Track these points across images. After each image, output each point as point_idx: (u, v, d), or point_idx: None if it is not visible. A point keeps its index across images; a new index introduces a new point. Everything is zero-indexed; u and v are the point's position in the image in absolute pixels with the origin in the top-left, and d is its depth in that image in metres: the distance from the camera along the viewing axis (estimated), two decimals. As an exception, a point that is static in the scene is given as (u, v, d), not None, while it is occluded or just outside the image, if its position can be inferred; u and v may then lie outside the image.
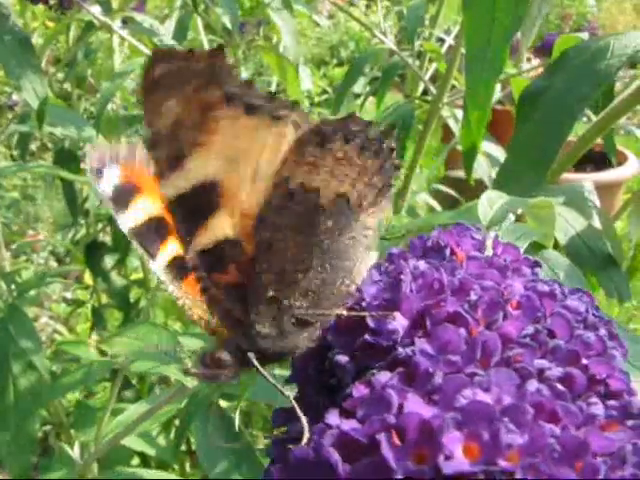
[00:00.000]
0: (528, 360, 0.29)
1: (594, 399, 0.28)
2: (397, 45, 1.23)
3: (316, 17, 1.45)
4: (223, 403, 0.66)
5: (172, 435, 1.43)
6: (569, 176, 1.87)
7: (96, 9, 1.08)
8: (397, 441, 0.25)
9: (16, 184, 2.66)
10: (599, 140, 0.80)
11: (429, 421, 0.25)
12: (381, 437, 0.25)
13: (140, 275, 1.61)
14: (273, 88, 1.54)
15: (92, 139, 0.92)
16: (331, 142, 0.33)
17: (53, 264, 2.38)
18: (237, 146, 0.31)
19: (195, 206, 0.31)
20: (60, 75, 1.58)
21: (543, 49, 1.36)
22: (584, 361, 0.30)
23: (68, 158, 1.36)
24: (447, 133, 1.29)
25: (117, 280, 1.50)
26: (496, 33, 0.64)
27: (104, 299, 1.62)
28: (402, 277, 0.32)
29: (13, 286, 1.06)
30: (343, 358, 0.31)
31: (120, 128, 1.33)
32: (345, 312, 0.33)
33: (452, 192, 1.33)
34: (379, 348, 0.30)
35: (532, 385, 0.27)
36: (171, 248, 0.35)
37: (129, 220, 0.35)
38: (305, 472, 0.26)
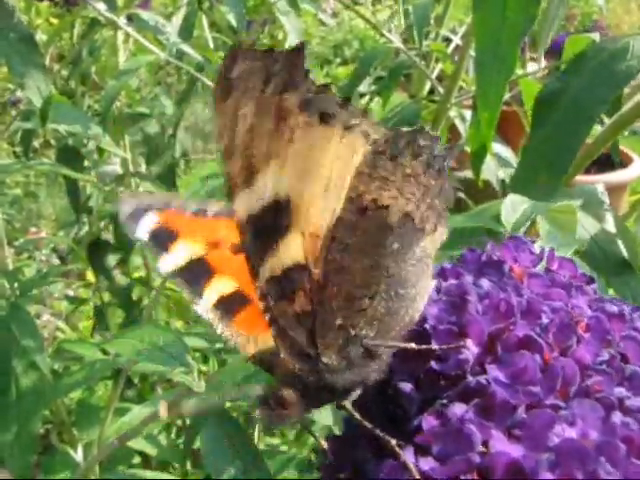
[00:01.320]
0: (607, 389, 0.27)
1: None
2: (402, 44, 1.22)
3: (321, 15, 1.44)
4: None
5: (173, 434, 1.42)
6: (576, 178, 1.85)
7: (101, 6, 1.07)
8: None
9: (19, 181, 2.65)
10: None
11: (519, 461, 0.24)
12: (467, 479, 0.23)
13: (142, 274, 1.61)
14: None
15: (99, 137, 0.91)
16: (402, 156, 0.31)
17: (55, 261, 2.37)
18: (310, 158, 0.29)
19: (265, 228, 0.29)
20: (64, 72, 1.57)
21: (551, 50, 1.34)
22: None
23: (71, 155, 1.35)
24: (453, 134, 1.28)
25: (120, 279, 1.49)
26: (507, 33, 0.64)
27: (106, 297, 1.61)
28: (468, 297, 0.30)
29: (16, 284, 1.06)
30: (407, 386, 0.29)
31: (124, 126, 1.32)
32: (415, 345, 0.30)
33: (459, 194, 1.32)
34: (446, 376, 0.29)
35: (617, 417, 0.25)
36: (216, 288, 0.34)
37: (170, 261, 0.35)
38: None
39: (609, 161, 2.18)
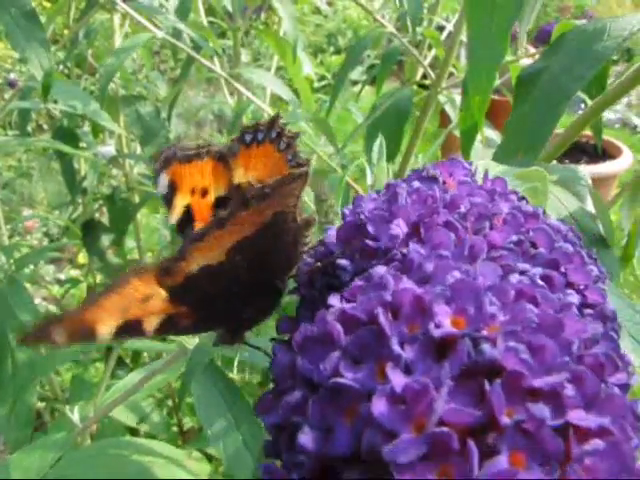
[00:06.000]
0: (511, 261, 0.31)
1: (570, 290, 0.30)
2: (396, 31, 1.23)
3: (318, 2, 1.45)
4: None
5: (165, 412, 1.44)
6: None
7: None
8: (391, 318, 0.27)
9: (11, 165, 2.65)
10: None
11: (421, 296, 0.27)
12: (378, 310, 0.27)
13: (136, 256, 1.62)
14: (272, 73, 1.54)
15: (98, 113, 0.92)
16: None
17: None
18: None
19: None
20: (60, 55, 1.57)
21: (541, 38, 1.37)
22: (563, 269, 0.32)
23: (67, 136, 1.36)
24: (443, 120, 1.30)
25: (113, 260, 1.50)
26: (498, 19, 0.65)
27: (98, 279, 1.63)
28: (398, 191, 0.34)
29: (11, 260, 1.07)
30: (344, 261, 0.34)
31: (119, 108, 1.33)
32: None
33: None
34: (377, 251, 0.33)
35: (514, 277, 0.29)
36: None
37: (172, 218, 0.41)
38: (308, 348, 0.28)
39: (598, 153, 2.21)
